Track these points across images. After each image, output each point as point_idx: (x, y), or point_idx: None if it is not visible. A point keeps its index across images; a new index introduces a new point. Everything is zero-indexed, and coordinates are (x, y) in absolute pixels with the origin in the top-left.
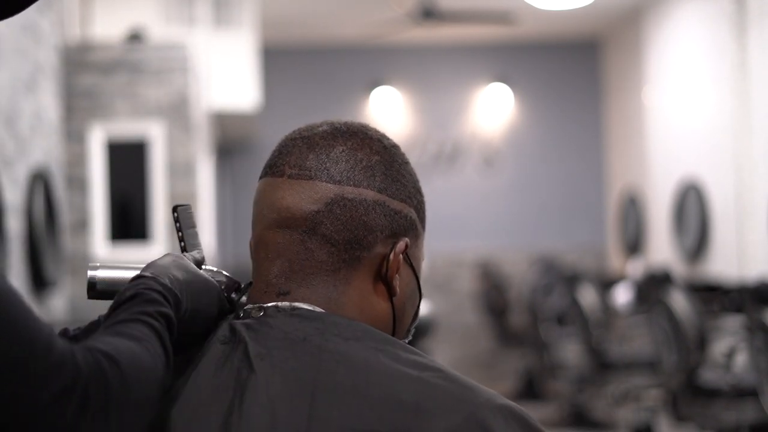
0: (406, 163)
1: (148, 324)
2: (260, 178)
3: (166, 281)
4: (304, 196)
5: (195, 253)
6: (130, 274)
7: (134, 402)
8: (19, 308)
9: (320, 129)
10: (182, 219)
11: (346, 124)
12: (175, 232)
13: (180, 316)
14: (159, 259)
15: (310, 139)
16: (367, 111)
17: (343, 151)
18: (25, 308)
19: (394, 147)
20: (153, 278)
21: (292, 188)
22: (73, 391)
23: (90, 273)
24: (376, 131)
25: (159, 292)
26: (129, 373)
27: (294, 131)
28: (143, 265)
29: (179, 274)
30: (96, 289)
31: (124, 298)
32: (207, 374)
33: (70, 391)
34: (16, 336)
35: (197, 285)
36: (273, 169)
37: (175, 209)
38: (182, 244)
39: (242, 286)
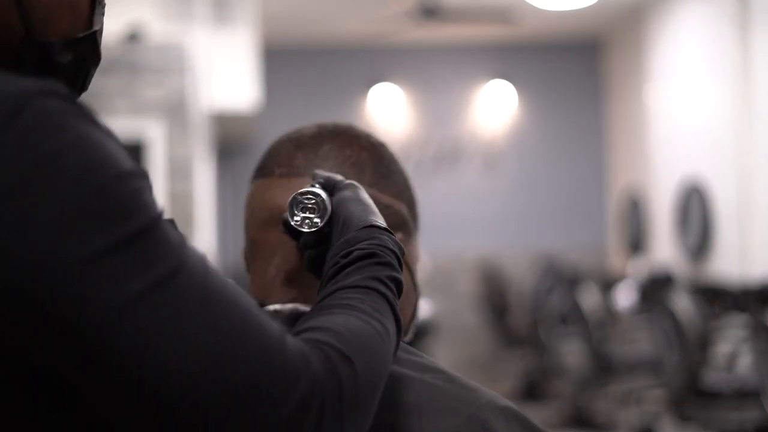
0: (395, 160)
1: (383, 295)
2: (250, 181)
3: (394, 236)
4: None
5: None
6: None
7: (366, 407)
8: (245, 305)
9: (307, 130)
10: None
11: (333, 124)
12: None
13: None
14: (345, 187)
15: (297, 140)
16: (368, 110)
17: (331, 148)
18: (250, 303)
19: (382, 145)
20: (387, 231)
21: (282, 187)
22: (310, 406)
23: (324, 200)
24: (364, 130)
25: (392, 252)
26: (363, 373)
27: (282, 135)
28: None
29: (377, 212)
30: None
31: (355, 257)
32: None
33: (306, 406)
34: (249, 347)
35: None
36: (262, 170)
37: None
38: None
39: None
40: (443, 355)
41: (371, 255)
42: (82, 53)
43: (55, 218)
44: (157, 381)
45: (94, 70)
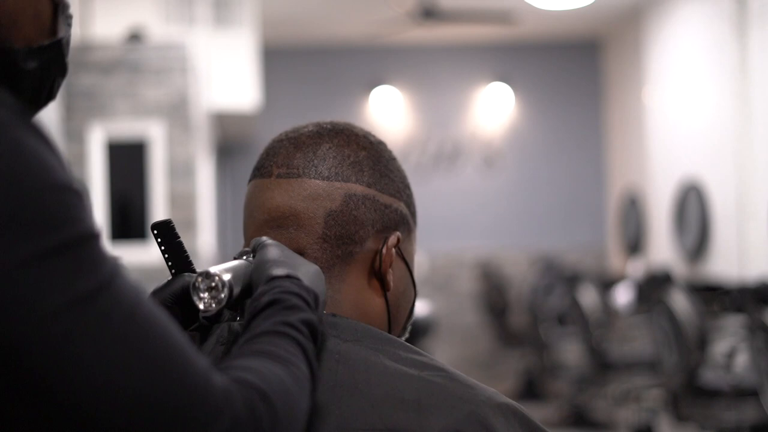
0: (393, 159)
1: (293, 338)
2: (249, 181)
3: (304, 280)
4: (294, 194)
5: (186, 276)
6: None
7: None
8: (174, 336)
9: (306, 129)
10: (163, 235)
11: (331, 123)
12: (160, 251)
13: (320, 314)
14: (266, 250)
15: (296, 139)
16: (368, 111)
17: (329, 148)
18: (180, 335)
19: (380, 143)
20: (288, 278)
21: (280, 187)
22: None
23: (219, 275)
24: (362, 129)
25: (298, 296)
26: (282, 414)
27: (280, 134)
28: (236, 263)
29: (300, 262)
30: (231, 298)
31: (261, 306)
32: None
33: None
34: (174, 376)
35: (311, 273)
36: (261, 170)
37: (153, 227)
38: (169, 263)
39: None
40: (443, 354)
41: (276, 302)
42: (47, 61)
43: None
44: (74, 394)
45: (62, 80)
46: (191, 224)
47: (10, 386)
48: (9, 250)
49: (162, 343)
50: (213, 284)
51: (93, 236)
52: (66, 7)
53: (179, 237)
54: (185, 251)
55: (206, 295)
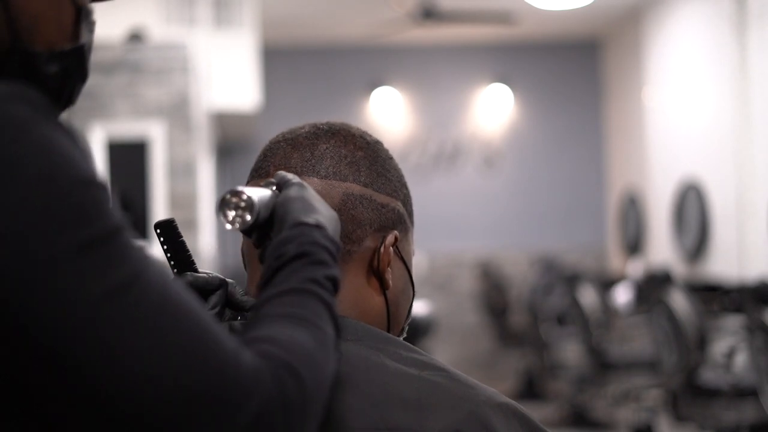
0: (390, 158)
1: (320, 298)
2: (247, 183)
3: (329, 230)
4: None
5: (189, 276)
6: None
7: (313, 415)
8: (203, 319)
9: (303, 130)
10: (166, 234)
11: (328, 123)
12: (162, 250)
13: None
14: (290, 186)
15: (293, 140)
16: (368, 111)
17: (327, 148)
18: (208, 318)
19: (377, 143)
20: (317, 228)
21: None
22: (262, 421)
23: (251, 196)
24: (358, 129)
25: (326, 249)
26: (310, 385)
27: (277, 135)
28: (264, 191)
29: (323, 208)
30: (256, 222)
31: (289, 256)
32: None
33: (259, 421)
34: (205, 360)
35: (330, 219)
36: (258, 171)
37: (156, 226)
38: (171, 262)
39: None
40: (443, 354)
41: (303, 255)
42: (68, 67)
43: (14, 221)
44: (111, 384)
45: (82, 86)
46: (192, 224)
47: (46, 378)
48: (43, 245)
49: (192, 329)
50: (243, 204)
51: (121, 229)
52: (89, 13)
53: (182, 236)
54: (188, 250)
55: (233, 213)
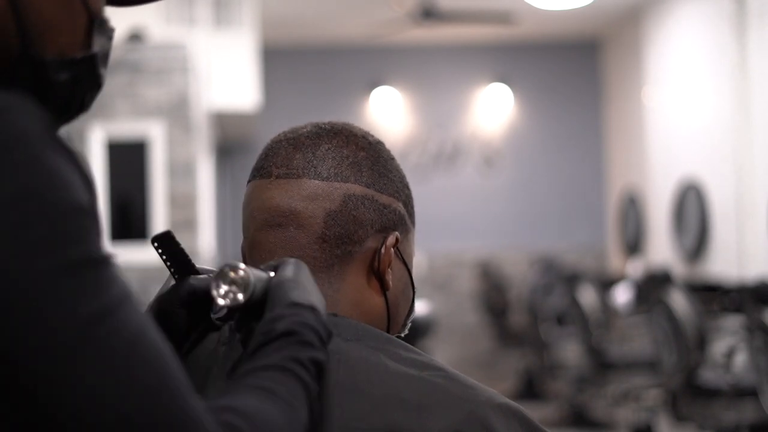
0: (392, 158)
1: (300, 378)
2: (248, 182)
3: (322, 313)
4: (293, 195)
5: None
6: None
7: None
8: (173, 373)
9: (305, 130)
10: (164, 247)
11: (330, 123)
12: (162, 260)
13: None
14: (286, 267)
15: (295, 140)
16: (367, 111)
17: (329, 148)
18: (178, 372)
19: (379, 143)
20: (311, 309)
21: (280, 187)
22: None
23: (248, 274)
24: (360, 129)
25: (315, 332)
26: None
27: (279, 134)
28: (260, 272)
29: (315, 292)
30: (249, 302)
31: (276, 333)
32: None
33: None
34: (165, 413)
35: (322, 303)
36: (260, 171)
37: (154, 240)
38: (171, 270)
39: None
40: (443, 354)
41: (291, 333)
42: (79, 75)
43: None
44: (66, 411)
45: (96, 93)
46: (191, 224)
47: (4, 394)
48: (19, 265)
49: (160, 376)
50: (239, 281)
51: (104, 260)
52: (104, 21)
53: (180, 245)
54: (188, 259)
55: (226, 288)
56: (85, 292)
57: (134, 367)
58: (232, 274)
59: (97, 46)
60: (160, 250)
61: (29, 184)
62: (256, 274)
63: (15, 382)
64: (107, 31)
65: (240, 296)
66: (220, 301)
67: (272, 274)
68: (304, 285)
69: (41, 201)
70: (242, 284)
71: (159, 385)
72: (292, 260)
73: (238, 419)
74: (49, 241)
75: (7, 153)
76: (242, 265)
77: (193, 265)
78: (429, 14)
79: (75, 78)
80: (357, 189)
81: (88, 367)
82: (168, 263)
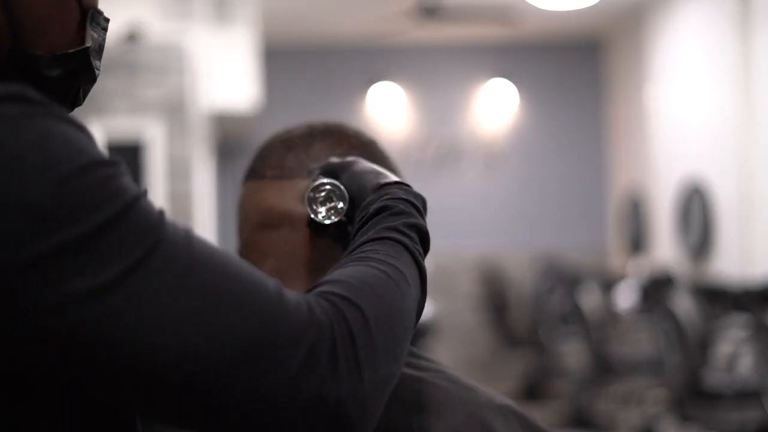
0: (387, 157)
1: (400, 242)
2: (242, 184)
3: (408, 186)
4: (287, 195)
5: None
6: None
7: (386, 350)
8: (237, 266)
9: (298, 130)
10: None
11: (322, 123)
12: None
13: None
14: (357, 162)
15: (288, 140)
16: (368, 110)
17: (322, 148)
18: (242, 264)
19: (372, 142)
20: (398, 184)
21: (273, 188)
22: (320, 352)
23: (337, 184)
24: (353, 128)
25: (407, 201)
26: (376, 320)
27: (272, 135)
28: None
29: (387, 172)
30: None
31: (368, 214)
32: None
33: (316, 353)
34: (244, 306)
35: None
36: (254, 172)
37: None
38: None
39: None
40: (443, 355)
41: (382, 209)
42: (72, 69)
43: (17, 217)
44: (151, 363)
45: (90, 87)
46: (190, 224)
47: (81, 369)
48: (54, 237)
49: (228, 280)
50: (330, 194)
51: (135, 200)
52: (97, 14)
53: None
54: None
55: (323, 208)
56: (126, 242)
57: (199, 289)
58: (322, 194)
59: (89, 39)
60: None
61: (46, 157)
62: (334, 182)
63: (97, 363)
64: (101, 23)
65: (341, 205)
66: (328, 221)
67: (329, 180)
68: (373, 170)
69: (62, 170)
70: (337, 194)
71: (230, 292)
72: (344, 160)
73: (327, 286)
74: (81, 206)
75: (17, 133)
76: (321, 180)
77: None
78: (430, 13)
79: (68, 72)
80: None
81: (154, 309)
82: None
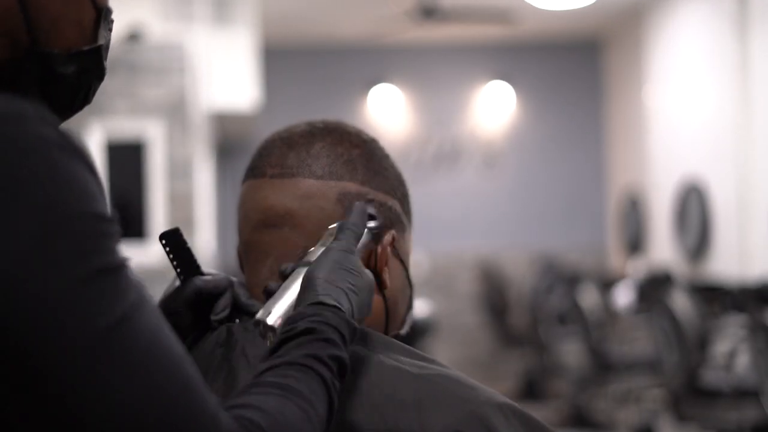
0: (387, 156)
1: (320, 375)
2: (242, 183)
3: (345, 309)
4: (288, 194)
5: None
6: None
7: None
8: (188, 372)
9: (298, 129)
10: (172, 245)
11: (323, 122)
12: (168, 259)
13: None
14: (323, 262)
15: (289, 139)
16: (368, 110)
17: (322, 147)
18: (193, 371)
19: (373, 141)
20: (333, 308)
21: (274, 187)
22: None
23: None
24: (354, 127)
25: (335, 329)
26: None
27: (272, 134)
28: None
29: (348, 282)
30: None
31: (295, 332)
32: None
33: None
34: (183, 415)
35: (362, 289)
36: (254, 171)
37: (162, 237)
38: (177, 270)
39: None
40: (443, 355)
41: (311, 331)
42: (85, 66)
43: (10, 246)
44: (91, 418)
45: (99, 84)
46: (190, 224)
47: (30, 404)
48: (40, 276)
49: (177, 378)
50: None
51: (121, 266)
52: (109, 12)
53: (188, 244)
54: (194, 258)
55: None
56: (103, 301)
57: (153, 372)
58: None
59: (102, 38)
60: (167, 248)
61: (49, 194)
62: (290, 302)
63: (42, 391)
64: (110, 23)
65: (268, 343)
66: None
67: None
68: (333, 280)
69: (61, 212)
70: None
71: (176, 388)
72: (336, 245)
73: (254, 414)
74: (69, 252)
75: (26, 161)
76: (270, 319)
77: (198, 266)
78: (429, 13)
79: (81, 70)
80: (352, 187)
81: (109, 374)
82: (174, 262)
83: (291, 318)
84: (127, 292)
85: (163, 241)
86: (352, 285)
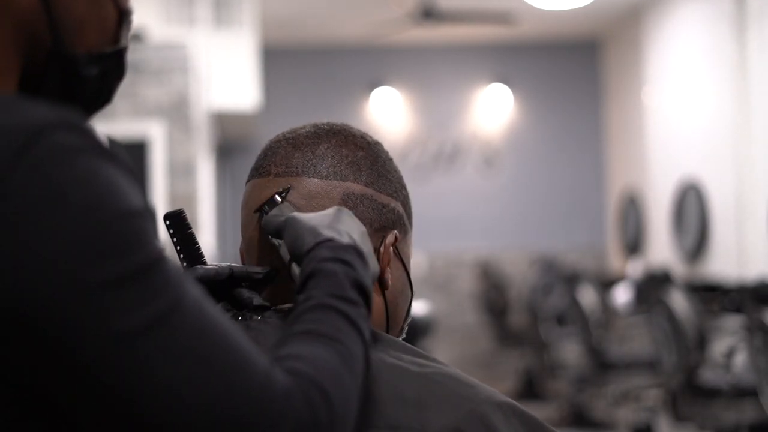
0: (390, 159)
1: (340, 312)
2: (247, 182)
3: (342, 237)
4: (292, 193)
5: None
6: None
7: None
8: (237, 340)
9: (303, 130)
10: (175, 226)
11: (328, 123)
12: (172, 242)
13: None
14: (291, 221)
15: (294, 139)
16: (367, 111)
17: (328, 148)
18: (241, 338)
19: (378, 143)
20: (318, 245)
21: (279, 186)
22: None
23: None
24: (359, 129)
25: (334, 260)
26: (338, 406)
27: (277, 135)
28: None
29: (341, 221)
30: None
31: (302, 281)
32: None
33: None
34: (239, 384)
35: (365, 242)
36: (259, 170)
37: (166, 218)
38: (181, 255)
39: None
40: (442, 354)
41: (313, 274)
42: (108, 68)
43: (56, 249)
44: (157, 413)
45: (119, 84)
46: (192, 224)
47: (91, 407)
48: (86, 276)
49: (227, 353)
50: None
51: (160, 258)
52: (130, 14)
53: (191, 228)
54: (197, 243)
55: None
56: (146, 296)
57: (205, 355)
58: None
59: (124, 39)
60: (171, 230)
61: (85, 196)
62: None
63: (94, 385)
64: (131, 23)
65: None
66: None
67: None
68: (311, 228)
69: (102, 212)
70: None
71: (231, 364)
72: (292, 215)
73: (302, 364)
74: (107, 251)
75: (66, 167)
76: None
77: (200, 252)
78: (429, 14)
79: (103, 71)
80: (356, 188)
81: (166, 368)
82: (177, 246)
83: (311, 257)
84: (168, 282)
85: (168, 222)
86: (338, 222)
